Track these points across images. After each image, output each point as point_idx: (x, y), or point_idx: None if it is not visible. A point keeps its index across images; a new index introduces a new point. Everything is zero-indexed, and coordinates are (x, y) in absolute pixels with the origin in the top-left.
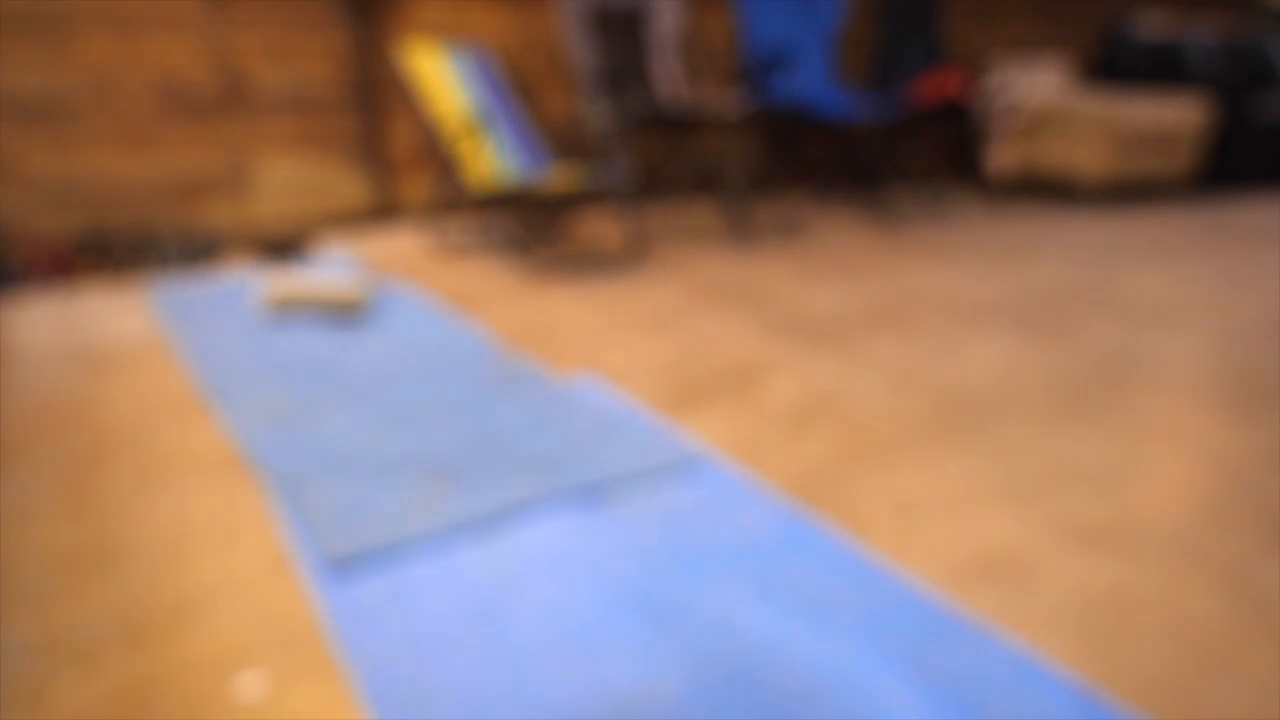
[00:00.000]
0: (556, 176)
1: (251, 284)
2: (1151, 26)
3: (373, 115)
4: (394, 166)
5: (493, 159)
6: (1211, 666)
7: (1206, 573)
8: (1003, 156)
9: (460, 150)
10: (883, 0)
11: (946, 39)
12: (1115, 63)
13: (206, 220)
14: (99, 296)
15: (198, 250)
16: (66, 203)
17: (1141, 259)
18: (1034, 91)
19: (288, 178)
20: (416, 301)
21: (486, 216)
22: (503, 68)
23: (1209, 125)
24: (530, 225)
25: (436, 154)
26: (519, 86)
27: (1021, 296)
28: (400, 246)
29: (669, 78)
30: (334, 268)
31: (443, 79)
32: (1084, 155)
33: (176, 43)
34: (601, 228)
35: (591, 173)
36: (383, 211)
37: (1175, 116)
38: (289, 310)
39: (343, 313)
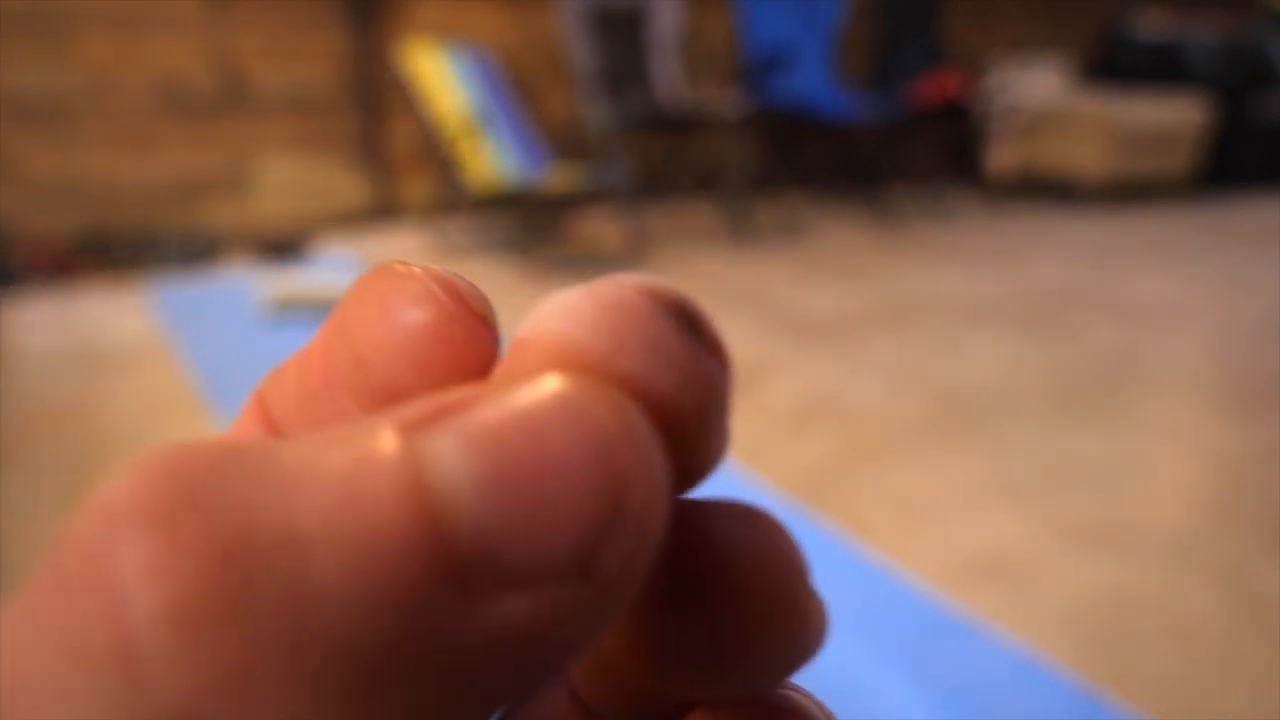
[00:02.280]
0: (556, 176)
1: (251, 284)
2: (1151, 26)
3: (373, 115)
4: (394, 166)
5: (493, 159)
6: (1211, 667)
7: (1206, 573)
8: (1003, 156)
9: (460, 150)
10: (883, 0)
11: (946, 39)
12: (1115, 63)
13: (206, 220)
14: (99, 296)
15: (198, 250)
16: (66, 203)
17: (1141, 259)
18: (1034, 91)
19: (288, 178)
20: None
21: (486, 216)
22: (503, 68)
23: (1209, 125)
24: (530, 225)
25: (436, 154)
26: (519, 86)
27: (1021, 296)
28: (400, 247)
29: (669, 78)
30: (334, 268)
31: (442, 79)
32: (1084, 155)
33: (176, 43)
34: (601, 228)
35: (591, 173)
36: (383, 212)
37: (1175, 116)
38: (289, 310)
39: None
